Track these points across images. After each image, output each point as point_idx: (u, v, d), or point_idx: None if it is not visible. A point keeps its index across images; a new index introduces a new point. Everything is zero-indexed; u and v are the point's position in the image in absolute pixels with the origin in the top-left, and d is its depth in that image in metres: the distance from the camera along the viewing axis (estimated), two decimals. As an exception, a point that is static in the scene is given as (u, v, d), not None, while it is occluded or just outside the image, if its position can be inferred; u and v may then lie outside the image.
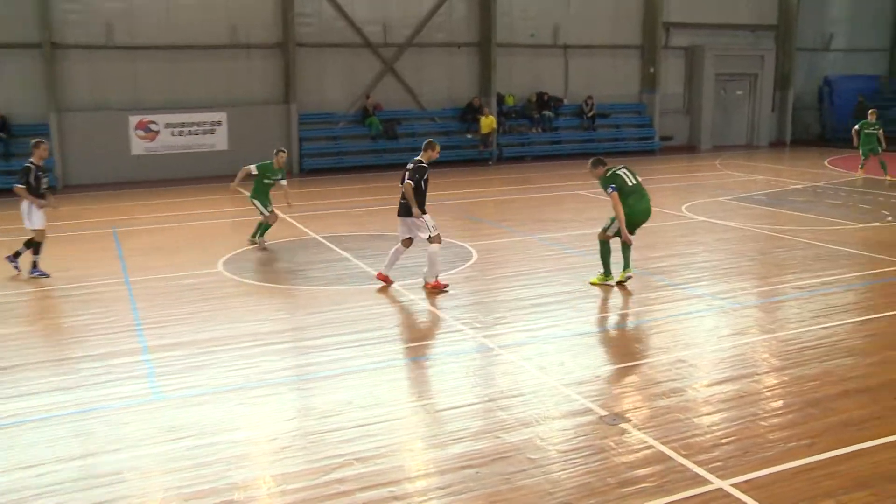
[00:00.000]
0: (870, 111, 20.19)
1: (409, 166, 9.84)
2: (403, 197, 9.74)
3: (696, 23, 28.21)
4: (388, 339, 8.11)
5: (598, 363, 7.37)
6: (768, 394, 6.61)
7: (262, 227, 12.67)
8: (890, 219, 14.38)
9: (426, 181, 9.78)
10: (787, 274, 10.60)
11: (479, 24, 24.88)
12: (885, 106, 30.65)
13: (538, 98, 25.76)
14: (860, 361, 7.29)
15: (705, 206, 16.13)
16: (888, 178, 19.17)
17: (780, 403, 6.40)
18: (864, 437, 5.74)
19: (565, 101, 26.47)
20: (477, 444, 5.72)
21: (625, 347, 7.90)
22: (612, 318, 8.76)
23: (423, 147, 9.95)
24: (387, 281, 10.08)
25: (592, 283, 10.10)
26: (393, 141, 23.82)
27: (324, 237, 13.24)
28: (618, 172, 10.01)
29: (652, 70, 27.42)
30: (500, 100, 25.40)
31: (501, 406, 6.40)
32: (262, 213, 12.69)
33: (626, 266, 9.98)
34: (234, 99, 22.34)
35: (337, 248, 12.40)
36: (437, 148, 9.97)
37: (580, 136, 26.21)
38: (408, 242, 10.00)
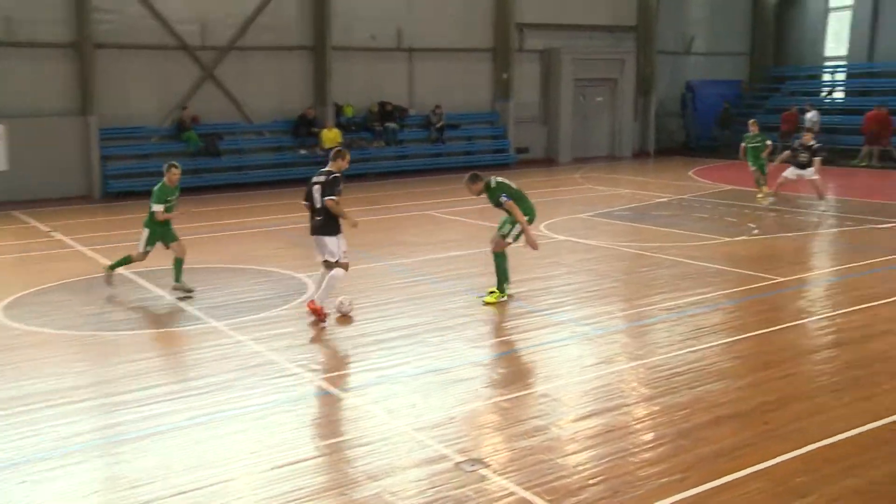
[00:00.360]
0: (750, 122, 20.50)
1: (319, 179, 9.97)
2: (318, 214, 9.88)
3: (552, 23, 29.38)
4: (211, 388, 7.87)
5: (453, 403, 7.45)
6: (637, 426, 6.91)
7: (125, 261, 11.68)
8: (757, 232, 15.48)
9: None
10: (654, 295, 11.17)
11: (311, 24, 24.86)
12: (747, 113, 33.08)
13: (380, 108, 25.96)
14: (730, 385, 7.76)
15: (566, 224, 16.74)
16: (761, 192, 19.41)
17: (650, 436, 6.70)
18: (736, 466, 6.09)
19: (411, 112, 26.84)
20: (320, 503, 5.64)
21: (482, 383, 8.03)
22: (468, 352, 8.90)
23: (331, 156, 10.15)
24: (318, 312, 9.89)
25: (487, 303, 10.60)
26: (215, 158, 23.29)
27: (133, 273, 12.72)
28: (500, 181, 10.81)
29: (505, 76, 28.31)
30: (338, 110, 25.42)
31: (346, 458, 6.35)
32: (141, 247, 11.50)
33: (501, 288, 10.79)
34: (14, 109, 21.09)
35: (149, 285, 11.94)
36: (348, 157, 10.22)
37: (428, 149, 26.63)
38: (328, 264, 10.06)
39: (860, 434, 6.64)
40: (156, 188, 11.46)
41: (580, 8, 29.99)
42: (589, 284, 11.74)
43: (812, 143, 18.30)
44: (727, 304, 10.77)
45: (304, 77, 25.08)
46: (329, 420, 7.18)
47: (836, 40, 33.68)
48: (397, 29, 26.43)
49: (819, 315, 10.20)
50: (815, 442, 6.47)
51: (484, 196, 10.91)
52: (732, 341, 9.13)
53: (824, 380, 7.93)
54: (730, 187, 21.72)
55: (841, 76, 33.59)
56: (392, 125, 26.02)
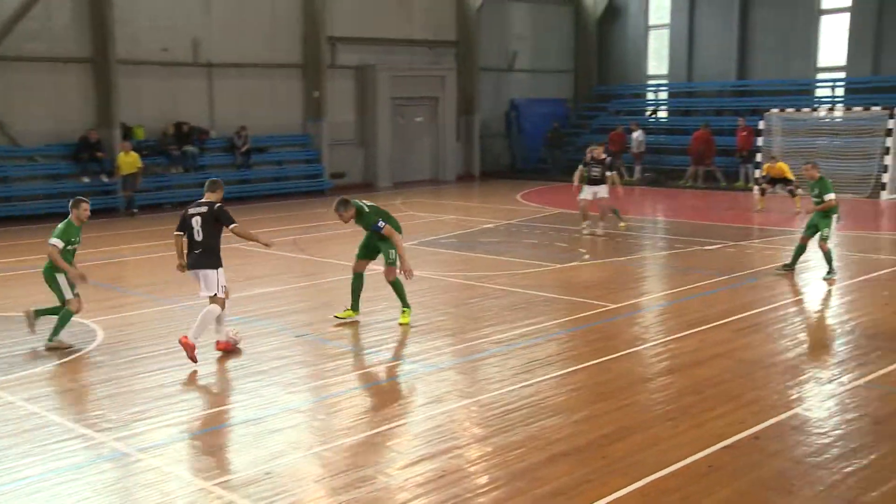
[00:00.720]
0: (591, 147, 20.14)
1: (200, 210, 10.13)
2: (198, 247, 10.07)
3: (367, 37, 29.71)
4: (-21, 458, 7.37)
5: (269, 456, 7.33)
6: (471, 469, 7.03)
7: (64, 319, 10.60)
8: (587, 257, 16.18)
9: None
10: (485, 327, 11.44)
11: (90, 33, 23.91)
12: (574, 133, 34.72)
13: (176, 130, 25.33)
14: (566, 420, 8.05)
15: (389, 254, 16.86)
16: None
17: (484, 479, 6.83)
18: (574, 504, 6.33)
19: (212, 134, 26.37)
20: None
21: (301, 432, 7.94)
22: (285, 398, 8.79)
23: (208, 187, 10.36)
24: (227, 348, 10.25)
25: (402, 324, 11.44)
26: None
27: None
28: (371, 204, 11.67)
29: (317, 94, 28.32)
30: (127, 132, 24.54)
31: (145, 528, 6.10)
32: (62, 297, 10.70)
33: (407, 304, 11.63)
34: None
35: None
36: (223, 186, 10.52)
37: (233, 175, 26.13)
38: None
39: (694, 462, 7.04)
40: (60, 229, 10.75)
41: (397, 21, 30.46)
42: (414, 319, 11.86)
43: (604, 157, 19.07)
44: (560, 333, 11.18)
45: (84, 94, 24.08)
46: (123, 486, 6.87)
47: (658, 58, 35.94)
48: (193, 41, 25.86)
49: (652, 342, 10.76)
50: (652, 474, 6.80)
51: (345, 222, 11.48)
52: (567, 373, 9.47)
53: (659, 409, 8.36)
54: (559, 211, 22.58)
55: (664, 95, 35.80)
56: (191, 149, 25.42)
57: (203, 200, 10.29)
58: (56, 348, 10.48)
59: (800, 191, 21.30)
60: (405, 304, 11.62)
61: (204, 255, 10.11)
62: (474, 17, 32.21)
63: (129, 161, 23.23)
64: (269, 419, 8.20)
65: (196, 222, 10.12)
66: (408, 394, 8.91)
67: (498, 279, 14.40)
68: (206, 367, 9.77)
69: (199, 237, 10.10)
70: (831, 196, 13.87)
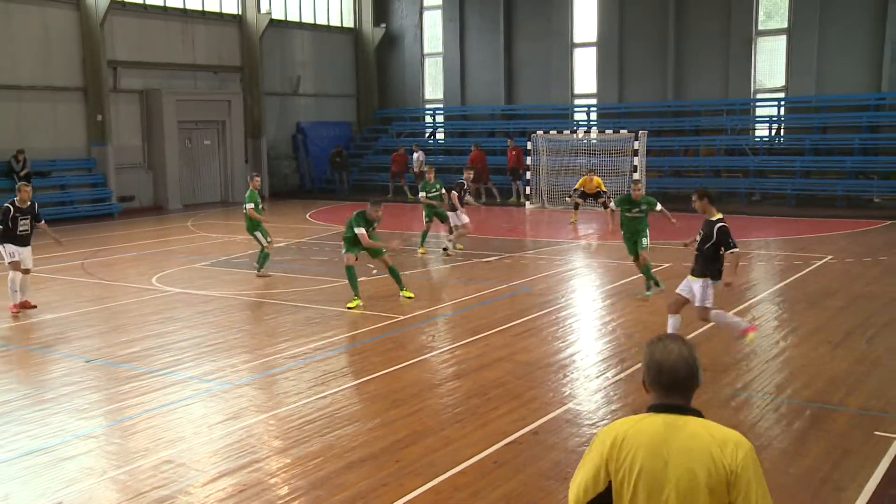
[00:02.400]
0: (426, 169, 19.64)
1: None
2: None
3: (150, 62, 28.74)
4: None
5: (59, 485, 6.86)
6: (272, 481, 6.87)
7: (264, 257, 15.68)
8: (375, 272, 16.23)
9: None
10: (280, 343, 11.24)
11: None
12: (359, 154, 34.96)
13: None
14: (361, 428, 8.02)
15: (180, 276, 16.33)
16: (422, 251, 18.80)
17: (285, 490, 6.69)
18: (372, 508, 6.31)
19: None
20: None
21: (93, 458, 7.48)
22: (75, 424, 8.27)
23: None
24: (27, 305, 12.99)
25: (350, 308, 12.99)
26: None
27: None
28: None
29: (100, 118, 27.03)
30: None
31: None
32: (261, 244, 15.65)
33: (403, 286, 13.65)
34: None
35: None
36: None
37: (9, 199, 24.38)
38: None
39: (482, 459, 7.20)
40: (250, 194, 15.99)
41: (180, 47, 29.70)
42: (209, 338, 11.51)
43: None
44: (353, 345, 11.16)
45: None
46: None
47: (434, 84, 36.78)
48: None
49: (440, 349, 10.93)
50: (444, 473, 6.90)
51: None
52: (360, 383, 9.46)
53: (449, 412, 8.49)
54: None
55: (440, 118, 36.66)
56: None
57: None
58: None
59: (612, 203, 21.76)
60: (356, 293, 13.24)
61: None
62: (257, 44, 31.81)
63: None
64: (59, 448, 7.69)
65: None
66: (204, 412, 8.60)
67: (290, 296, 14.22)
68: (-9, 398, 9.06)
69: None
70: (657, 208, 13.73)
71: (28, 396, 9.17)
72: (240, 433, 7.95)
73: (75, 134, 26.99)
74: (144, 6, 28.72)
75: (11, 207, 13.38)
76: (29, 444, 7.80)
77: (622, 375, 9.55)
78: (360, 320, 12.46)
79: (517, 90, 34.45)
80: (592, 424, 8.03)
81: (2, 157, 24.73)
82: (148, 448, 7.60)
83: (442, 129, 36.67)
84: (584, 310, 13.34)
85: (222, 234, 22.33)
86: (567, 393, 9.06)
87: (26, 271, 13.32)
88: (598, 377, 9.59)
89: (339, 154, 33.43)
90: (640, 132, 26.78)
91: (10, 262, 13.17)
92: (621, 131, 27.60)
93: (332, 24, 36.08)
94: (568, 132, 29.42)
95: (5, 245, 13.21)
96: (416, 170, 31.08)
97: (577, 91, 33.53)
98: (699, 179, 28.39)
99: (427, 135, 36.44)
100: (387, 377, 9.66)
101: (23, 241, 13.34)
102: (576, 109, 33.60)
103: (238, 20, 31.64)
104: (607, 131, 28.38)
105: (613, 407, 8.57)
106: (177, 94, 29.23)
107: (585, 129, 31.01)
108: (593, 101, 33.03)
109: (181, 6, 29.84)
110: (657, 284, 13.64)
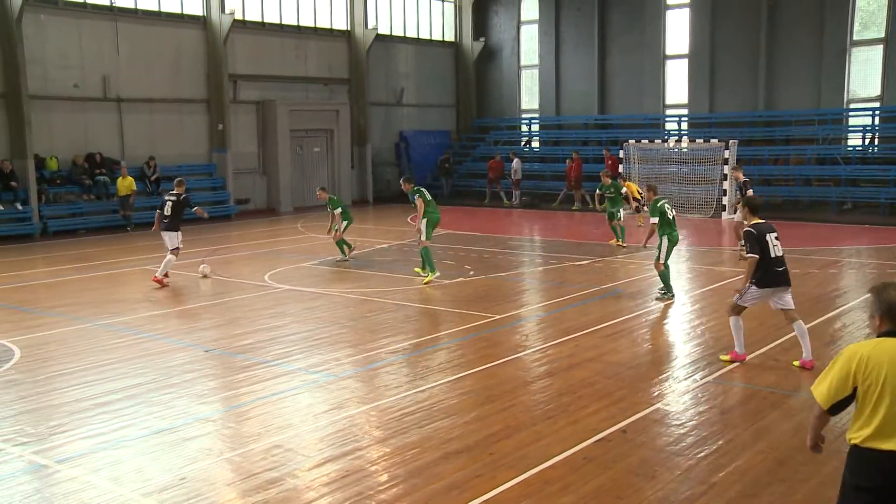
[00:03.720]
0: (602, 172, 21.21)
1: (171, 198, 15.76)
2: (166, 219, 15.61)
3: (266, 75, 29.47)
4: None
5: (182, 462, 7.12)
6: (372, 468, 6.98)
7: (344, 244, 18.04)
8: (472, 273, 16.29)
9: None
10: (381, 339, 11.39)
11: (2, 70, 23.00)
12: (458, 161, 35.14)
13: (88, 160, 24.53)
14: (457, 421, 8.07)
15: (290, 274, 16.69)
16: (617, 243, 19.51)
17: (385, 477, 6.79)
18: (467, 497, 6.34)
19: (123, 163, 25.55)
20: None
21: (211, 440, 7.74)
22: (196, 408, 8.56)
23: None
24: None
25: (426, 282, 14.95)
26: None
27: None
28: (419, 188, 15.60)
29: (221, 127, 27.87)
30: (40, 163, 23.67)
31: (65, 537, 5.83)
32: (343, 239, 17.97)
33: (432, 268, 15.30)
34: None
35: None
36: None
37: (144, 202, 25.41)
38: None
39: (572, 455, 7.16)
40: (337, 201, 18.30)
41: (293, 61, 30.37)
42: (316, 332, 11.74)
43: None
44: (450, 343, 11.21)
45: (-1, 127, 23.14)
46: (42, 497, 6.56)
47: (530, 95, 36.65)
48: (103, 77, 25.15)
49: (532, 348, 10.90)
50: (535, 466, 6.88)
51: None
52: (457, 378, 9.50)
53: (540, 408, 8.46)
54: (445, 232, 22.69)
55: (536, 127, 36.49)
56: (103, 178, 24.62)
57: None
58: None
59: (645, 208, 21.79)
60: (432, 267, 15.35)
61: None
62: (364, 58, 32.31)
63: (125, 184, 24.10)
64: (182, 429, 7.97)
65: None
66: (310, 402, 8.79)
67: (392, 294, 14.38)
68: (120, 382, 9.45)
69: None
70: (653, 219, 13.38)
71: (156, 381, 9.53)
72: (343, 422, 8.09)
73: (199, 142, 27.90)
74: (262, 24, 29.46)
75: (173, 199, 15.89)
76: (157, 423, 8.11)
77: (710, 378, 9.36)
78: (456, 319, 12.52)
79: (610, 100, 34.05)
80: (681, 425, 7.90)
81: (136, 164, 25.76)
82: (260, 433, 7.81)
83: (537, 138, 36.51)
84: (673, 313, 13.11)
85: (330, 236, 22.67)
86: (656, 393, 8.92)
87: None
88: (686, 379, 9.42)
89: (447, 161, 33.78)
90: (731, 141, 26.16)
91: (177, 248, 15.60)
92: (711, 141, 27.01)
93: (433, 38, 36.32)
94: (659, 141, 28.94)
95: (179, 232, 15.77)
96: (513, 177, 31.05)
97: (668, 101, 32.93)
98: (789, 188, 27.61)
99: (523, 143, 36.34)
100: (482, 374, 9.69)
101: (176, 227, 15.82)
102: (667, 119, 33.02)
103: (347, 35, 32.16)
104: (697, 141, 27.82)
105: (702, 408, 8.41)
106: (290, 105, 29.88)
107: (676, 138, 30.43)
108: (684, 112, 32.39)
109: (295, 23, 30.49)
110: (669, 291, 13.60)
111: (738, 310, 9.71)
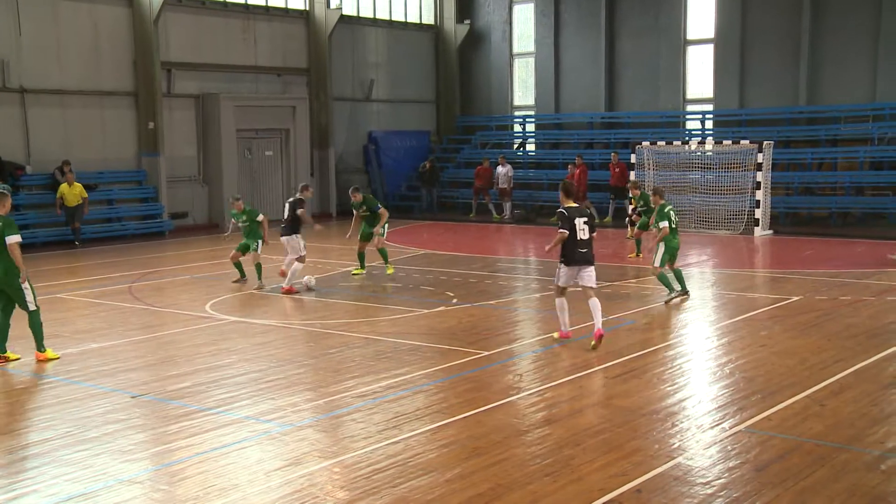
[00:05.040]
0: (629, 185, 22.81)
1: None
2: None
3: (207, 63, 29.51)
4: None
5: (104, 534, 7.05)
6: (334, 538, 6.94)
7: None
8: (456, 301, 16.30)
9: None
10: (347, 380, 11.35)
11: None
12: (439, 167, 35.18)
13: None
14: (438, 479, 8.04)
15: (237, 302, 16.66)
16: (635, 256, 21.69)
17: (349, 548, 6.75)
18: (449, 571, 6.31)
19: (28, 170, 25.36)
20: None
21: (142, 506, 7.68)
22: (119, 468, 8.49)
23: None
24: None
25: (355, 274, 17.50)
26: None
27: None
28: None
29: (152, 125, 27.80)
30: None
31: None
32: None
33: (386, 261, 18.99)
34: None
35: None
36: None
37: (55, 217, 25.18)
38: None
39: (578, 520, 7.15)
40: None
41: (240, 46, 30.37)
42: (268, 373, 11.69)
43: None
44: (429, 384, 11.18)
45: None
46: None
47: (524, 88, 36.85)
48: (1, 62, 24.99)
49: (527, 391, 10.89)
50: (532, 534, 6.86)
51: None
52: (437, 427, 9.47)
53: (537, 463, 8.45)
54: (424, 252, 22.74)
55: (531, 127, 36.62)
56: (5, 187, 24.43)
57: None
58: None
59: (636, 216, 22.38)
60: (361, 265, 19.26)
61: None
62: (326, 43, 32.32)
63: (73, 192, 24.51)
64: (101, 494, 7.89)
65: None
66: (261, 457, 8.73)
67: (359, 326, 14.35)
68: (24, 438, 9.36)
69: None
70: (662, 224, 15.73)
71: (69, 435, 9.43)
72: (300, 482, 8.04)
73: (125, 143, 27.81)
74: (202, 2, 29.51)
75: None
76: (68, 488, 8.01)
77: (742, 427, 9.38)
78: (436, 356, 12.51)
79: (620, 95, 34.29)
80: (707, 483, 7.89)
81: (46, 169, 25.60)
82: (198, 496, 7.75)
83: (532, 140, 36.70)
84: (696, 349, 13.14)
85: (286, 257, 22.62)
86: (675, 445, 8.93)
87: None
88: (712, 427, 9.43)
89: (431, 167, 33.38)
90: (765, 143, 26.33)
91: (302, 256, 17.71)
92: (742, 142, 27.19)
93: (409, 20, 36.55)
94: (679, 143, 29.12)
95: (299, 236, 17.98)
96: (502, 186, 31.11)
97: (689, 96, 33.23)
98: (836, 198, 27.79)
99: (516, 146, 36.53)
100: (467, 421, 9.67)
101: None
102: (688, 117, 33.30)
103: (305, 16, 32.27)
104: (725, 142, 27.99)
105: (731, 463, 8.41)
106: (236, 99, 29.89)
107: (699, 139, 30.65)
108: (709, 108, 32.68)
109: (242, 1, 30.56)
110: (671, 290, 15.94)
111: (560, 291, 12.91)
